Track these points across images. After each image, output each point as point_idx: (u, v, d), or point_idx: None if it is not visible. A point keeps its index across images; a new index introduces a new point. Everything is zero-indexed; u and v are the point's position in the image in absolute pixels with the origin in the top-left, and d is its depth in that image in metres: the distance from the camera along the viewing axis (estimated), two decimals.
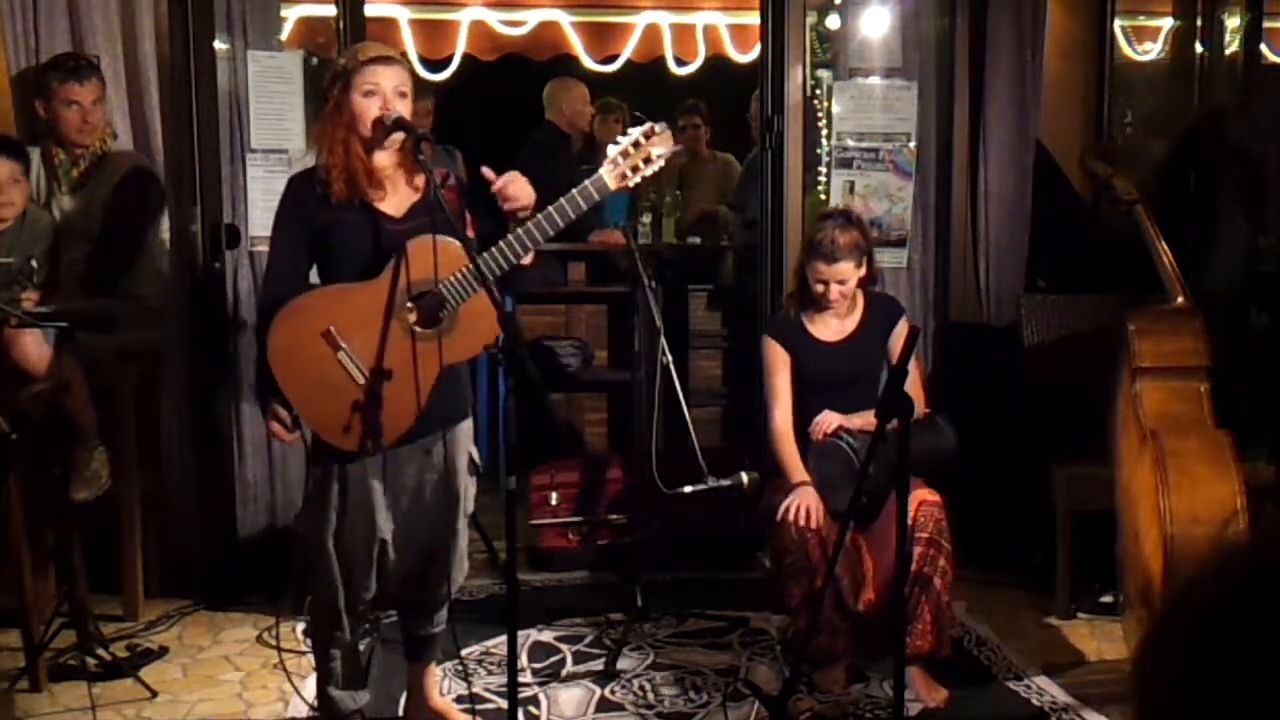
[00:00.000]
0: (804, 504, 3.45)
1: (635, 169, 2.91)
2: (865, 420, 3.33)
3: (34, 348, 3.58)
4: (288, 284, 2.93)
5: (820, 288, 3.61)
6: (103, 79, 4.00)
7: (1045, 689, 3.57)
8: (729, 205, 6.38)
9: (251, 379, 4.33)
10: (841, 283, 3.60)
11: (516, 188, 2.91)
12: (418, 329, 2.86)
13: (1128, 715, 0.72)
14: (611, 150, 2.93)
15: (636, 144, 2.92)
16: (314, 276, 3.04)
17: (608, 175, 2.90)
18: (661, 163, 2.94)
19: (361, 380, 2.83)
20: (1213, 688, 0.65)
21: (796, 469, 3.58)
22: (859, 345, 3.68)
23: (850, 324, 3.71)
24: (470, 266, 2.77)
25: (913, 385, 3.49)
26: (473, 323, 2.85)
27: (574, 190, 2.87)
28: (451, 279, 2.83)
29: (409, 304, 2.85)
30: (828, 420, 3.53)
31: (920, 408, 3.45)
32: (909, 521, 3.37)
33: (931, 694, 3.43)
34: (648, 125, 2.94)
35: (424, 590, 3.16)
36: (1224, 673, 0.65)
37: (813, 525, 3.42)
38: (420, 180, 2.94)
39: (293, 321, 2.82)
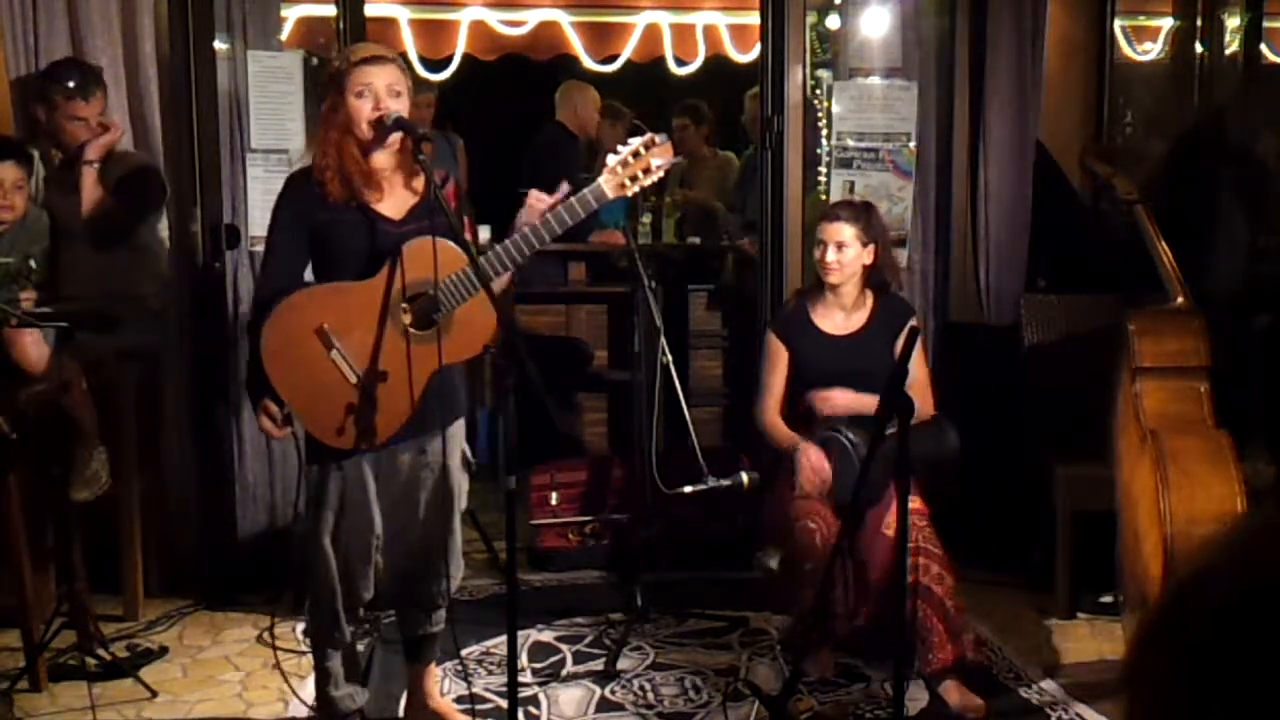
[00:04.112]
0: (811, 464, 3.47)
1: (634, 178, 2.92)
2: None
3: (34, 348, 3.58)
4: (285, 280, 2.92)
5: (819, 251, 3.63)
6: (105, 88, 3.98)
7: (1045, 688, 3.57)
8: (728, 206, 6.38)
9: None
10: (840, 246, 3.60)
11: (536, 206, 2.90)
12: (413, 330, 2.87)
13: (1119, 712, 0.72)
14: (611, 160, 2.93)
15: (636, 154, 2.92)
16: (308, 278, 3.04)
17: (606, 184, 2.91)
18: (661, 173, 2.98)
19: (354, 380, 2.84)
20: (1210, 687, 0.65)
21: (789, 436, 3.62)
22: (864, 342, 3.67)
23: (857, 320, 3.71)
24: (466, 270, 2.80)
25: (921, 388, 3.50)
26: (470, 324, 2.86)
27: (572, 198, 2.88)
28: (447, 281, 2.83)
29: (404, 305, 2.85)
30: (838, 397, 3.57)
31: (928, 409, 3.45)
32: (891, 533, 3.37)
33: (967, 704, 3.37)
34: (648, 136, 2.96)
35: (421, 589, 3.16)
36: (1222, 672, 0.65)
37: (822, 478, 3.45)
38: (419, 182, 2.93)
39: (287, 318, 2.82)
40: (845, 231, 3.61)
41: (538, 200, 2.91)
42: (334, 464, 2.92)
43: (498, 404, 5.48)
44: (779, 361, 3.73)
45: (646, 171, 2.92)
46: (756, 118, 6.05)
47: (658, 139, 2.96)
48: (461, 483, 3.13)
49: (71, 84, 3.91)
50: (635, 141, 2.93)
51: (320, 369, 2.82)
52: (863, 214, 3.68)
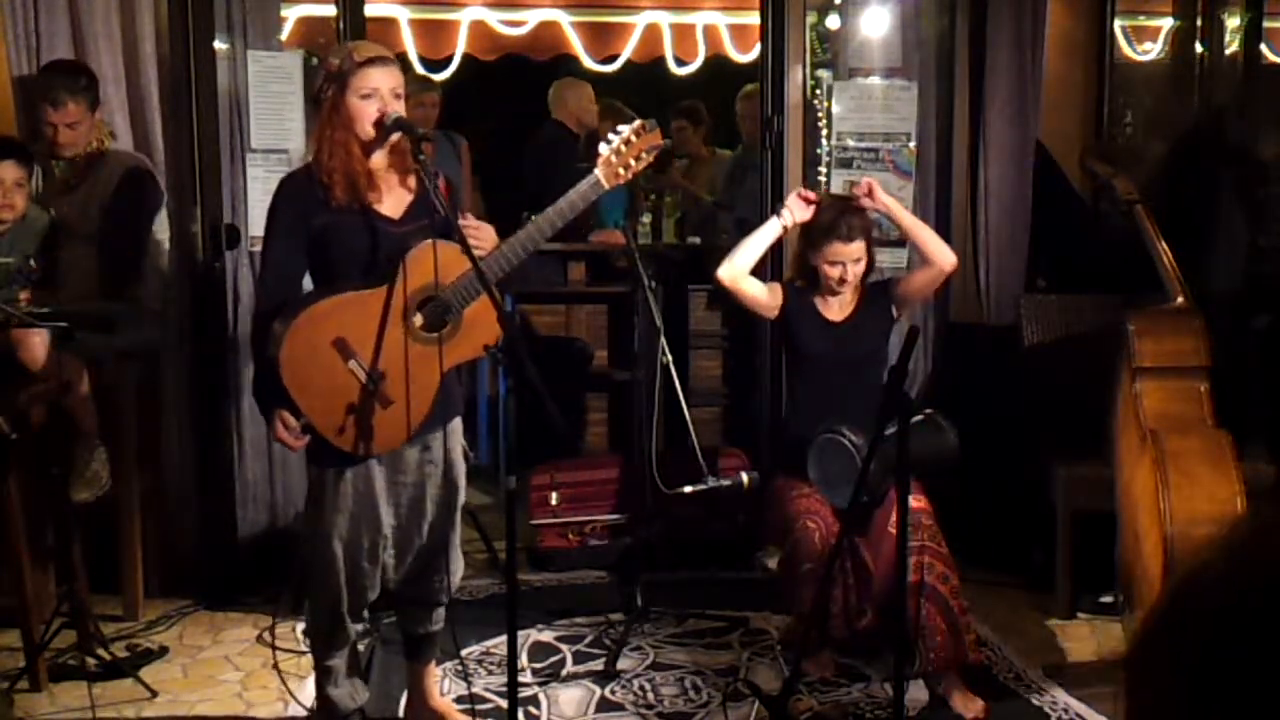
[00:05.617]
0: (798, 193, 3.75)
1: (627, 166, 3.02)
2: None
3: (42, 347, 3.58)
4: (287, 286, 2.92)
5: (837, 270, 3.66)
6: (87, 100, 3.93)
7: (1046, 689, 3.57)
8: (718, 205, 6.38)
9: (249, 380, 4.34)
10: (857, 262, 3.66)
11: (483, 235, 2.93)
12: (424, 334, 2.88)
13: (1119, 712, 0.72)
14: (604, 149, 3.03)
15: (627, 141, 3.02)
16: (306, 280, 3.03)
17: (602, 174, 3.00)
18: (651, 158, 3.08)
19: (372, 388, 2.84)
20: (1210, 686, 0.65)
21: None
22: (856, 327, 3.74)
23: (849, 306, 3.78)
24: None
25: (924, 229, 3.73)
26: (475, 325, 2.87)
27: (571, 191, 2.95)
28: (456, 283, 2.84)
29: (416, 309, 2.86)
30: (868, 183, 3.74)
31: (949, 252, 3.66)
32: (895, 530, 3.37)
33: (968, 705, 3.38)
34: (637, 123, 3.07)
35: (424, 586, 3.16)
36: (1222, 671, 0.65)
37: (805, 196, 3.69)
38: (414, 180, 2.94)
39: (307, 330, 2.80)
40: (860, 248, 3.65)
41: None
42: (344, 467, 2.92)
43: (498, 403, 5.49)
44: (774, 288, 3.78)
45: (638, 158, 3.02)
46: (746, 116, 6.07)
47: (646, 125, 3.06)
48: (461, 477, 3.15)
49: (46, 90, 3.90)
50: (625, 129, 3.03)
51: (339, 379, 2.82)
52: (863, 219, 3.71)
